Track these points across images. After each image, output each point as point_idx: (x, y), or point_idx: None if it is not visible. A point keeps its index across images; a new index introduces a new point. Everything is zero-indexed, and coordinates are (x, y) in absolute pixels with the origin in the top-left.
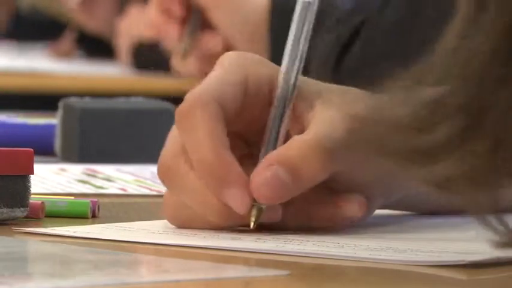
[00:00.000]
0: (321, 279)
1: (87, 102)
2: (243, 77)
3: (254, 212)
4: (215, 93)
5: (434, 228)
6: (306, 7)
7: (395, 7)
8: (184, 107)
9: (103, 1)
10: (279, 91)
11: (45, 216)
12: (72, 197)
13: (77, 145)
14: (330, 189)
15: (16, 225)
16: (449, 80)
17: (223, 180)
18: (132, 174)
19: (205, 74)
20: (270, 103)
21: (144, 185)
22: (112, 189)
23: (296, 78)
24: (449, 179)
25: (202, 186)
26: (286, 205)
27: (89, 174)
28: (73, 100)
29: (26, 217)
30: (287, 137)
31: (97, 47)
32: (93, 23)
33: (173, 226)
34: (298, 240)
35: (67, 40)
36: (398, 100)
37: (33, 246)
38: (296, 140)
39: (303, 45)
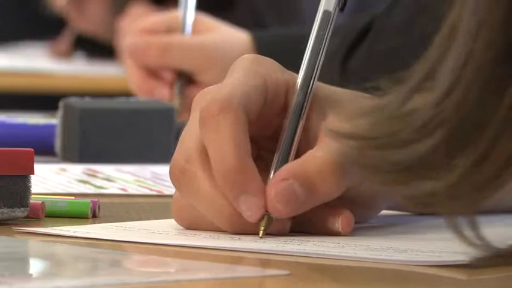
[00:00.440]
0: (321, 279)
1: (87, 102)
2: (263, 82)
3: (264, 222)
4: (243, 98)
5: (434, 228)
6: (327, 17)
7: (403, 6)
8: (213, 107)
9: (94, 1)
10: (295, 99)
11: (46, 216)
12: (73, 197)
13: (77, 145)
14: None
15: (16, 225)
16: (436, 90)
17: (242, 186)
18: (132, 174)
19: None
20: (285, 109)
21: (144, 185)
22: (112, 189)
23: (312, 86)
24: (430, 195)
25: (215, 191)
26: None
27: (89, 174)
28: (73, 100)
29: (26, 217)
30: (298, 145)
31: (97, 47)
32: (83, 23)
33: (175, 226)
34: (298, 240)
35: (66, 40)
36: (383, 116)
37: (33, 246)
38: (312, 155)
39: (321, 55)
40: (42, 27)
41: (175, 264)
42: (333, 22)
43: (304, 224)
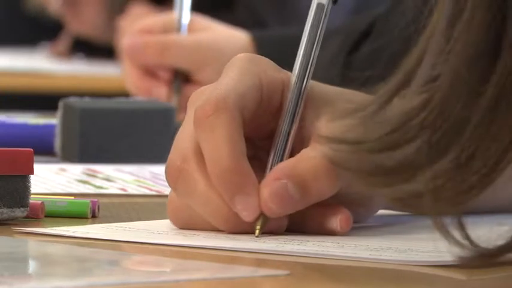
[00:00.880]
0: (321, 279)
1: (87, 102)
2: (258, 82)
3: (260, 221)
4: (238, 98)
5: (435, 228)
6: (321, 10)
7: (405, 6)
8: (207, 107)
9: (88, 3)
10: (290, 97)
11: (45, 216)
12: (72, 197)
13: (77, 145)
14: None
15: (16, 225)
16: (415, 93)
17: (237, 186)
18: (132, 174)
19: None
20: (280, 108)
21: (144, 185)
22: (112, 189)
23: (307, 84)
24: (415, 197)
25: (211, 191)
26: None
27: (88, 174)
28: (73, 100)
29: (26, 217)
30: (294, 144)
31: (95, 48)
32: (79, 26)
33: (174, 226)
34: (298, 240)
35: (64, 42)
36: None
37: (33, 246)
38: (306, 154)
39: (315, 50)
40: (39, 32)
41: (174, 264)
42: (327, 15)
43: (302, 223)
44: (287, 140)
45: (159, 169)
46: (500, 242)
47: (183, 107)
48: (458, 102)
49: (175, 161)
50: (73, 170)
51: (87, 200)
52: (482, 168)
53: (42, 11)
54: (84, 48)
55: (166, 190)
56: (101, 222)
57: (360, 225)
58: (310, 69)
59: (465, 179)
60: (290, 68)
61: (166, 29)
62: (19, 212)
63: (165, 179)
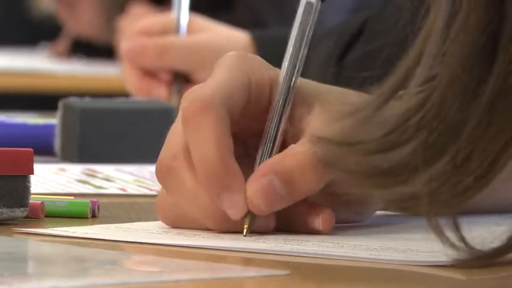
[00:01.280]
0: (321, 279)
1: (87, 102)
2: (247, 81)
3: (248, 219)
4: (224, 97)
5: (430, 230)
6: (309, 8)
7: (397, 4)
8: (194, 106)
9: (84, 3)
10: (278, 95)
11: (45, 216)
12: (72, 197)
13: (77, 145)
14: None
15: (16, 225)
16: (412, 94)
17: (223, 184)
18: (132, 174)
19: None
20: (270, 106)
21: (143, 185)
22: (112, 189)
23: (295, 81)
24: (411, 199)
25: (199, 189)
26: None
27: (88, 174)
28: (73, 100)
29: (25, 217)
30: (283, 140)
31: (94, 49)
32: (76, 27)
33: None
34: (298, 240)
35: (64, 42)
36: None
37: (33, 246)
38: (293, 150)
39: (303, 48)
40: (39, 32)
41: (174, 264)
42: (316, 13)
43: (286, 223)
44: (275, 138)
45: None
46: (496, 243)
47: None
48: (454, 103)
49: (165, 159)
50: (73, 170)
51: (87, 200)
52: (478, 169)
53: (44, 12)
54: (84, 48)
55: None
56: (101, 222)
57: (359, 225)
58: (299, 67)
59: (461, 180)
60: None
61: (165, 30)
62: (19, 212)
63: None
